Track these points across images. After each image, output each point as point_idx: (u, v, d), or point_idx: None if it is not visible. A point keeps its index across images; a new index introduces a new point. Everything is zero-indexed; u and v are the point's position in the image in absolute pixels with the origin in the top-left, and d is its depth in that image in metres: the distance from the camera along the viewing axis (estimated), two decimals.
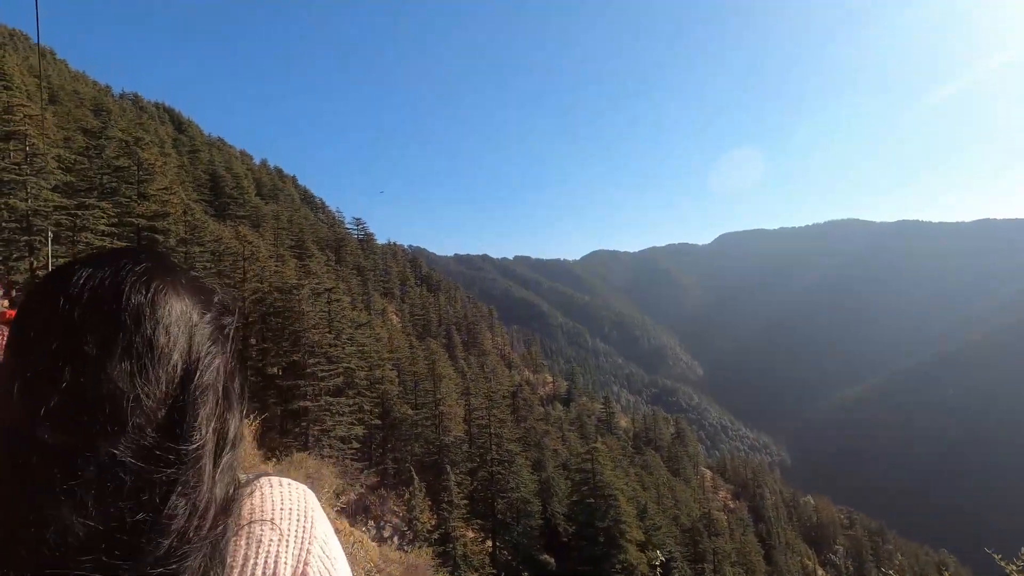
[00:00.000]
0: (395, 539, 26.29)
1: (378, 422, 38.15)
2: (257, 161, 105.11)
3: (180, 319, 0.62)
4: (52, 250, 26.55)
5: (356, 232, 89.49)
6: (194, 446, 0.59)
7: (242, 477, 0.71)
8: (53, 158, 30.72)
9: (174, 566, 0.55)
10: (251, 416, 11.58)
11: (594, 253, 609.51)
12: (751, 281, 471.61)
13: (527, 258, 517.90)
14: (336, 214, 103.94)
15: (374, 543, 15.58)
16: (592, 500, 33.24)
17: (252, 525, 0.66)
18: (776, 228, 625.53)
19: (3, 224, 27.49)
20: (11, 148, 28.84)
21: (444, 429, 39.07)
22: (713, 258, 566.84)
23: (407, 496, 31.57)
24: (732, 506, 63.43)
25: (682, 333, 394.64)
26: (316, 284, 39.77)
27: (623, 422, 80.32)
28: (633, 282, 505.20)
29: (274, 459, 14.32)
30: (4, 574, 0.53)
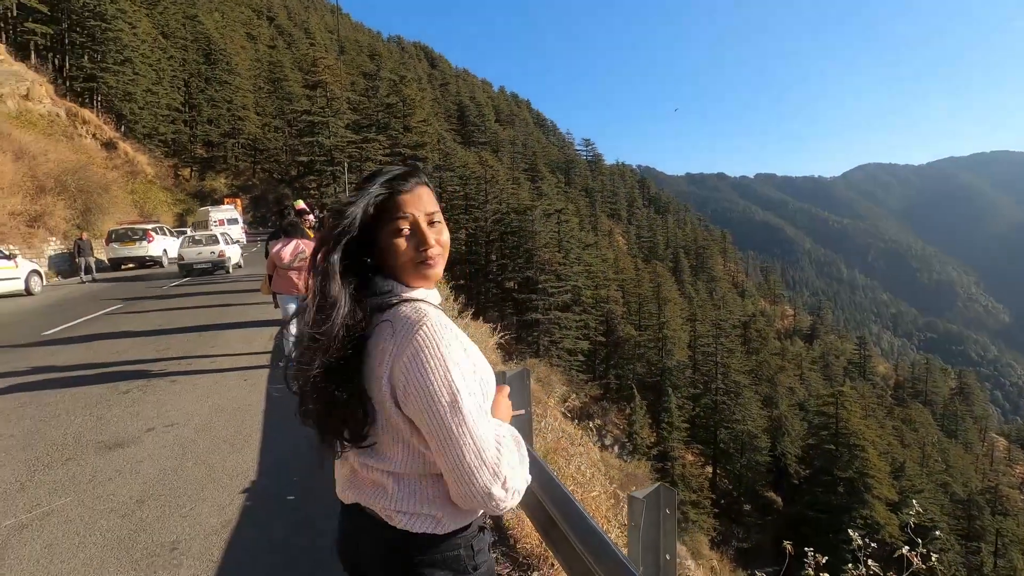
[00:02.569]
0: (615, 448, 27.88)
1: (602, 339, 39.78)
2: (496, 88, 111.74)
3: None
4: (348, 178, 32.96)
5: (585, 153, 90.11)
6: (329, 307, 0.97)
7: (391, 301, 0.99)
8: (344, 100, 37.35)
9: (334, 353, 0.93)
10: (495, 326, 13.12)
11: (861, 167, 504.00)
12: None
13: (771, 176, 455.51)
14: (567, 136, 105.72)
15: (596, 447, 16.73)
16: (832, 447, 30.01)
17: (382, 324, 0.95)
18: None
19: (315, 158, 34.93)
20: (317, 95, 35.87)
21: (667, 352, 38.85)
22: None
23: (628, 411, 32.85)
24: None
25: (983, 268, 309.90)
26: (547, 205, 41.79)
27: (881, 368, 68.83)
28: (915, 202, 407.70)
29: (512, 361, 16.17)
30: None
